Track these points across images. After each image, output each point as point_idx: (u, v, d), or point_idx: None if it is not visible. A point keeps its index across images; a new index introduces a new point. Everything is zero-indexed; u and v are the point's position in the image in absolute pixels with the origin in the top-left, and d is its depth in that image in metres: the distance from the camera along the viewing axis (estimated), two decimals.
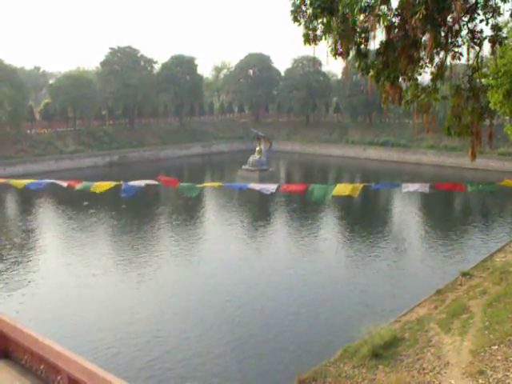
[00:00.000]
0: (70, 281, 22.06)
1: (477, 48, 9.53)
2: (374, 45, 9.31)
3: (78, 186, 12.81)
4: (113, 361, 15.07)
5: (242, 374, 14.60)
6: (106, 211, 35.48)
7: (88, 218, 33.77)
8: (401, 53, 8.98)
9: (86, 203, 36.33)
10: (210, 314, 18.43)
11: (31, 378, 8.29)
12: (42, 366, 8.14)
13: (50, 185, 13.75)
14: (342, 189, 10.99)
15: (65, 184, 13.47)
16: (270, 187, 11.52)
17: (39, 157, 57.89)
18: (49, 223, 34.23)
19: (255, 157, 46.32)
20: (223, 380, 14.26)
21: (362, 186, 10.95)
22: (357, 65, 9.80)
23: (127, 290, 21.11)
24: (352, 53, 9.52)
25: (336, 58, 9.44)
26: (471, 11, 8.99)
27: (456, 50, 9.41)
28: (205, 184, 12.30)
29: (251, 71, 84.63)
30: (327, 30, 9.26)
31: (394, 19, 9.02)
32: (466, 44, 9.40)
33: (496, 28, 9.19)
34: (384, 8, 8.78)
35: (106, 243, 28.80)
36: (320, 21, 9.42)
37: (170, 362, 15.17)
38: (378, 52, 9.45)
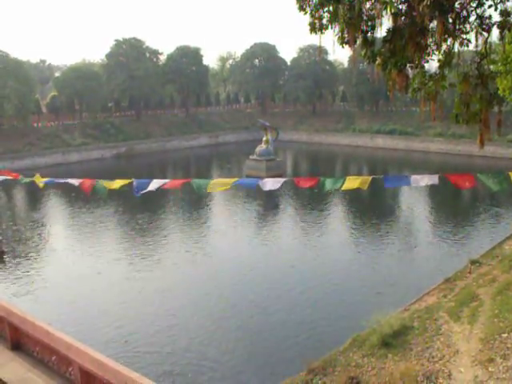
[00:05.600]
0: (79, 273, 22.26)
1: (485, 34, 9.38)
2: (381, 32, 9.21)
3: (93, 184, 12.76)
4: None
5: (251, 362, 14.69)
6: (115, 206, 35.60)
7: (99, 212, 33.97)
8: (408, 40, 8.87)
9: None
10: (222, 303, 18.56)
11: (43, 369, 8.40)
12: (53, 358, 8.24)
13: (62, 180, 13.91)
14: (352, 182, 10.89)
15: (77, 183, 13.41)
16: (278, 182, 11.40)
17: (47, 150, 58.12)
18: (59, 218, 34.42)
19: (262, 147, 46.16)
20: (233, 367, 14.37)
21: (370, 178, 10.86)
22: (363, 53, 9.70)
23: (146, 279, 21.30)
24: (359, 41, 9.42)
25: (343, 47, 9.34)
26: None
27: (464, 36, 9.26)
28: (216, 180, 12.16)
29: (257, 61, 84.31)
30: (333, 18, 9.15)
31: (400, 6, 8.91)
32: (475, 30, 9.26)
33: (505, 13, 9.04)
34: None
35: (118, 237, 28.96)
36: (326, 9, 9.32)
37: (183, 350, 15.31)
38: (384, 40, 9.34)
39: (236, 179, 12.35)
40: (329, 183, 10.86)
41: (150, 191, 12.09)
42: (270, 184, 11.34)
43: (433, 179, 9.94)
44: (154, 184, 12.04)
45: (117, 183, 12.60)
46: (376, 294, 18.79)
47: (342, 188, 10.82)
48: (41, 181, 14.30)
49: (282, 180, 11.54)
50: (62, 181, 14.35)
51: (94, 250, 25.65)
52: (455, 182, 9.81)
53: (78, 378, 7.52)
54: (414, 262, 22.82)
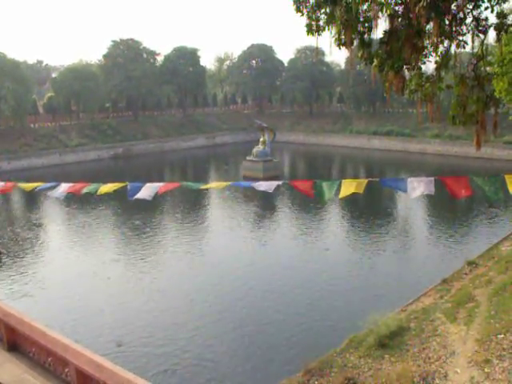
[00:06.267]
0: (76, 275, 22.22)
1: (482, 36, 9.43)
2: (377, 34, 9.24)
3: (84, 189, 12.42)
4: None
5: (248, 363, 14.68)
6: (112, 206, 35.54)
7: (95, 212, 33.92)
8: (404, 42, 8.90)
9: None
10: (218, 303, 18.55)
11: (39, 371, 8.38)
12: (49, 359, 8.22)
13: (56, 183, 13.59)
14: (348, 188, 10.80)
15: (63, 193, 12.86)
16: (272, 185, 11.41)
17: (43, 150, 58.00)
18: (55, 218, 34.35)
19: (259, 148, 46.18)
20: (230, 367, 14.36)
21: (366, 181, 10.83)
22: (360, 54, 9.72)
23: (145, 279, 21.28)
24: (355, 42, 9.45)
25: (340, 48, 9.38)
26: None
27: (460, 38, 9.31)
28: (209, 185, 12.08)
29: (254, 62, 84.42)
30: (330, 19, 9.18)
31: (397, 8, 8.94)
32: (471, 32, 9.30)
33: (501, 15, 9.09)
34: None
35: (115, 238, 28.93)
36: (323, 11, 9.35)
37: (180, 350, 15.29)
38: (381, 41, 9.37)
39: (228, 183, 12.31)
40: (324, 186, 10.83)
41: (145, 199, 11.83)
42: (265, 186, 11.34)
43: (429, 188, 9.82)
44: (148, 189, 11.82)
45: (110, 187, 12.23)
46: (373, 295, 18.80)
47: (340, 196, 10.74)
48: (26, 187, 13.92)
49: (276, 183, 11.51)
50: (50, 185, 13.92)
51: (90, 250, 25.66)
52: (451, 190, 9.72)
53: (75, 379, 7.51)
54: (410, 262, 22.85)
